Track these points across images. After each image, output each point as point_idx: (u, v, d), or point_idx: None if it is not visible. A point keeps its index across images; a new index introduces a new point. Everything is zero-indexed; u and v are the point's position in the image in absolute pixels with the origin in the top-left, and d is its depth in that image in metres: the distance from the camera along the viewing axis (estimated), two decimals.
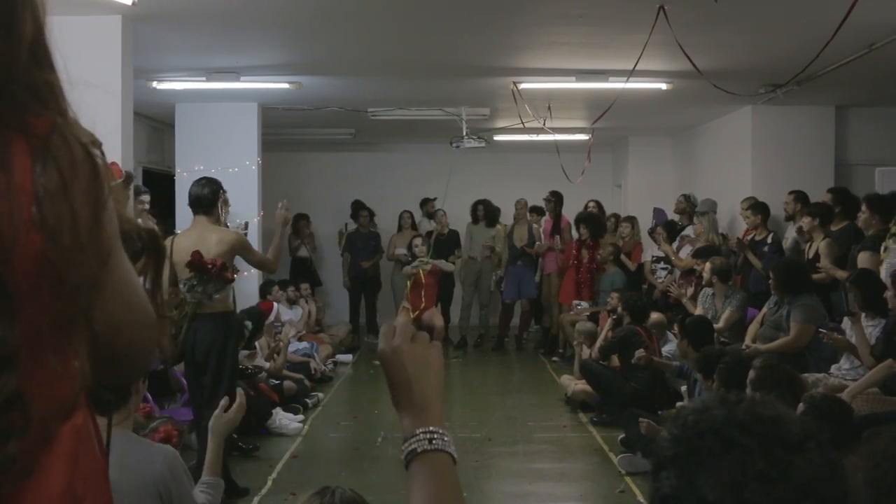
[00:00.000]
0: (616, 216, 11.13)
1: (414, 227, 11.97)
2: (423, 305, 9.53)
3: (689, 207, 10.03)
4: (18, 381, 0.95)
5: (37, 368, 0.98)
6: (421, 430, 1.22)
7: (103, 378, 1.17)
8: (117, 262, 1.07)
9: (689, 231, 9.55)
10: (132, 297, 1.12)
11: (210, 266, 5.08)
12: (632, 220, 10.43)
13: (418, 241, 10.06)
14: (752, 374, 4.46)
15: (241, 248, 5.41)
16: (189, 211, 5.52)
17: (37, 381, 0.98)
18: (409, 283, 9.80)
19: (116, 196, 1.08)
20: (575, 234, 10.55)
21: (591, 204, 11.07)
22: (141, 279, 1.23)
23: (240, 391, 3.13)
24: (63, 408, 1.03)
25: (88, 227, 0.99)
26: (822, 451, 0.97)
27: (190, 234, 5.35)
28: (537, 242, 10.87)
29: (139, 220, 6.84)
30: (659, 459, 1.03)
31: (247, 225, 8.90)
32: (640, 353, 6.80)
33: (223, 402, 3.06)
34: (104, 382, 1.21)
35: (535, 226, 11.07)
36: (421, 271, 9.67)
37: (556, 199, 10.90)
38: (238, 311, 7.07)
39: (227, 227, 8.51)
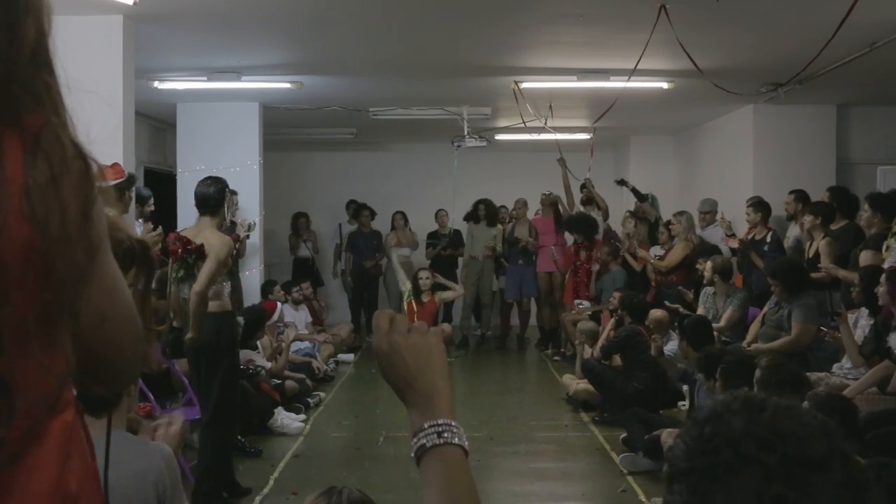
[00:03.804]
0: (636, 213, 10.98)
1: (406, 224, 12.01)
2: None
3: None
4: (2, 370, 0.97)
5: (21, 358, 0.99)
6: (429, 424, 1.16)
7: (90, 384, 1.18)
8: (104, 258, 1.09)
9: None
10: (116, 294, 1.13)
11: (180, 251, 5.02)
12: (634, 214, 10.38)
13: (425, 274, 9.79)
14: (758, 373, 4.45)
15: (215, 250, 5.02)
16: (190, 211, 5.48)
17: (21, 371, 0.99)
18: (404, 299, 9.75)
19: (106, 198, 1.09)
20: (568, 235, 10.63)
21: (584, 192, 11.02)
22: (131, 290, 1.23)
23: (179, 417, 3.14)
24: (47, 400, 1.04)
25: (77, 221, 1.01)
26: (847, 469, 0.90)
27: (189, 233, 5.33)
28: (529, 239, 10.91)
29: (140, 225, 6.81)
30: (672, 471, 0.97)
31: (249, 227, 8.91)
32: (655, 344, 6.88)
33: (164, 420, 3.06)
34: (92, 390, 1.21)
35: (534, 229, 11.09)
36: (412, 299, 9.57)
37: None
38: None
39: (235, 222, 8.58)
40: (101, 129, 1.12)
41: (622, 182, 10.56)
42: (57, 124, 1.02)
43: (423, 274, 9.76)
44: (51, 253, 0.98)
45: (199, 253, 5.02)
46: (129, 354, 1.16)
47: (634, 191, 10.34)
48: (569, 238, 10.82)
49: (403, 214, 12.06)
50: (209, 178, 5.32)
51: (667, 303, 8.30)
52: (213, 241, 5.09)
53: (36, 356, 1.00)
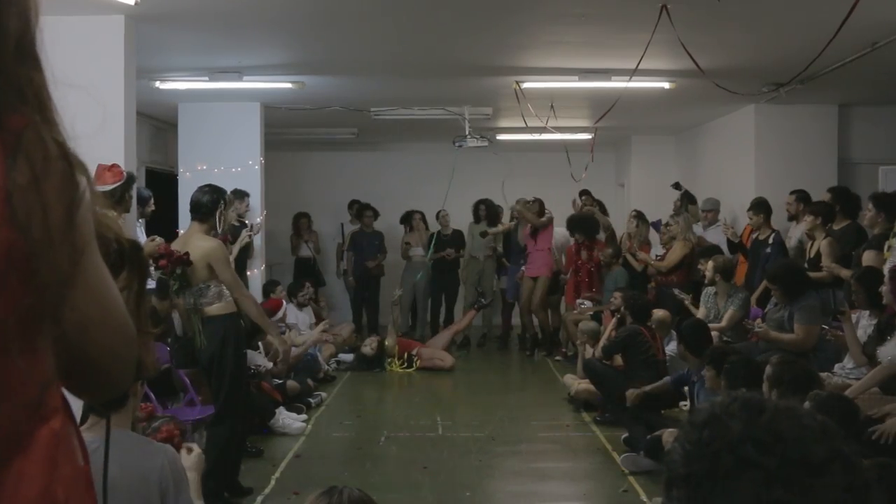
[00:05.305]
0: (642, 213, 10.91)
1: (425, 224, 11.97)
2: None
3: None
4: None
5: (1, 364, 0.97)
6: None
7: (82, 392, 1.15)
8: (91, 261, 1.07)
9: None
10: (105, 298, 1.10)
11: (167, 263, 5.02)
12: (639, 215, 10.36)
13: (371, 342, 10.08)
14: (768, 369, 4.41)
15: (214, 257, 5.08)
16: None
17: (1, 377, 0.97)
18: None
19: (95, 200, 1.07)
20: (561, 230, 10.64)
21: (584, 198, 10.99)
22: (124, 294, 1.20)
23: (196, 449, 3.19)
24: (28, 407, 1.01)
25: (60, 224, 0.98)
26: (847, 473, 0.89)
27: (180, 240, 5.34)
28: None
29: (141, 226, 6.78)
30: (670, 476, 0.95)
31: (251, 227, 8.91)
32: (630, 393, 6.54)
33: (185, 445, 3.08)
34: (85, 398, 1.19)
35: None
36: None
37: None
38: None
39: (240, 223, 8.58)
40: (92, 126, 1.10)
41: (677, 186, 10.51)
42: (40, 123, 0.99)
43: (369, 341, 10.05)
44: (33, 256, 0.96)
45: (186, 262, 5.04)
46: (121, 359, 1.13)
47: (687, 193, 10.32)
48: (566, 238, 10.81)
49: (423, 214, 12.03)
50: (207, 186, 5.35)
51: (676, 291, 8.30)
52: (205, 245, 5.10)
53: (15, 361, 0.98)
